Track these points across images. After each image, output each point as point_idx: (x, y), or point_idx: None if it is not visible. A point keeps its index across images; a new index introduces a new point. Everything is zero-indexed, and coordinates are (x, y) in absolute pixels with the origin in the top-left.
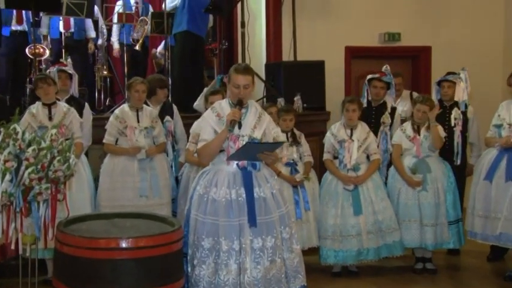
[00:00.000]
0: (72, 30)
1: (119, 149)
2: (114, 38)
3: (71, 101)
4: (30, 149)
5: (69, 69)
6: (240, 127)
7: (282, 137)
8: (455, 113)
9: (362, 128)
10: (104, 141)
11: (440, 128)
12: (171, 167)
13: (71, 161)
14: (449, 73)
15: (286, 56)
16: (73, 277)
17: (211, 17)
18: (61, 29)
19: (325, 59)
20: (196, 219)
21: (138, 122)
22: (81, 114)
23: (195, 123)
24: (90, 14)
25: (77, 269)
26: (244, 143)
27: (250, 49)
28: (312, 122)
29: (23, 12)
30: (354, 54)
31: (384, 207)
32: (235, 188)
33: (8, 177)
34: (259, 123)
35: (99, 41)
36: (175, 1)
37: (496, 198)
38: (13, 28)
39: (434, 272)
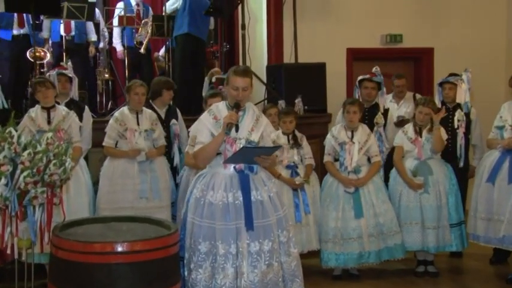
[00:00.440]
0: (73, 33)
1: (119, 152)
2: (117, 40)
3: (70, 104)
4: (25, 153)
5: (69, 72)
6: (237, 130)
7: (283, 139)
8: (458, 115)
9: (363, 130)
10: (104, 144)
11: (442, 131)
12: (177, 170)
13: (67, 164)
14: (451, 74)
15: (288, 58)
16: (68, 282)
17: (212, 19)
18: (62, 32)
19: (327, 61)
20: (193, 223)
21: (138, 124)
22: (81, 118)
23: (193, 126)
24: (91, 17)
25: (72, 274)
26: (241, 145)
27: (251, 51)
28: (313, 124)
29: (24, 15)
30: (355, 56)
31: (385, 209)
32: (232, 191)
33: (3, 181)
34: (257, 126)
35: (101, 44)
36: (176, 3)
37: (499, 200)
38: (15, 32)
39: (436, 275)
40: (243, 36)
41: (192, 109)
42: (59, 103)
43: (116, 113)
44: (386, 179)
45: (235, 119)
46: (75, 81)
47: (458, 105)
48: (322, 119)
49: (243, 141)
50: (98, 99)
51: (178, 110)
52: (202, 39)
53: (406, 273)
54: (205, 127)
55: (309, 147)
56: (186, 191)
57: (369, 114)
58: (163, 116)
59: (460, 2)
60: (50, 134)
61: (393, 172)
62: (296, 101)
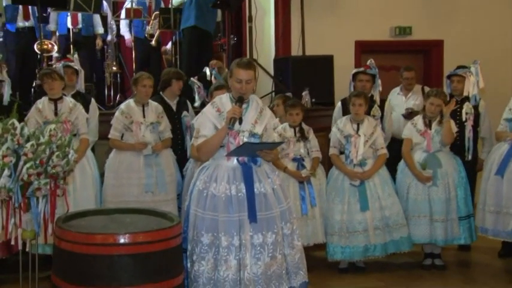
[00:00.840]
0: (80, 26)
1: (125, 144)
2: (125, 29)
3: (76, 96)
4: (28, 144)
5: (75, 64)
6: (240, 122)
7: (290, 132)
8: (466, 108)
9: (369, 123)
10: (110, 136)
11: (452, 123)
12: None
13: (70, 156)
14: (459, 67)
15: (295, 50)
16: (71, 273)
17: (219, 11)
18: (69, 25)
19: (334, 54)
20: (196, 215)
21: (144, 117)
22: (87, 110)
23: (196, 118)
24: (98, 10)
25: (75, 265)
26: (244, 138)
27: (259, 44)
28: (320, 117)
29: (29, 7)
30: (363, 48)
31: (391, 202)
32: (235, 184)
33: (6, 172)
34: (260, 119)
35: (109, 37)
36: None
37: (508, 193)
38: (20, 24)
39: (443, 268)
40: (250, 28)
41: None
42: (65, 95)
43: (122, 106)
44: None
45: (239, 114)
46: (82, 73)
47: (467, 98)
48: (330, 111)
49: (246, 133)
50: (106, 92)
51: (188, 102)
52: (210, 32)
53: (413, 266)
54: (208, 120)
55: (315, 140)
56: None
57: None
58: (174, 108)
59: None
60: (52, 126)
61: (401, 165)
62: (303, 93)
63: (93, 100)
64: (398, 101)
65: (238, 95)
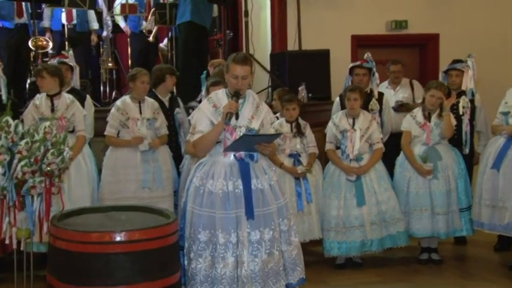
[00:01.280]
0: (75, 22)
1: (121, 141)
2: (120, 18)
3: (72, 93)
4: (22, 142)
5: (70, 61)
6: (237, 118)
7: (286, 127)
8: (463, 102)
9: (364, 117)
10: (106, 133)
11: (452, 117)
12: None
13: (65, 153)
14: (455, 61)
15: (291, 45)
16: (66, 272)
17: (215, 6)
18: (63, 21)
19: (331, 48)
20: (193, 212)
21: (141, 113)
22: (82, 107)
23: (193, 114)
24: (93, 6)
25: (70, 264)
26: (241, 134)
27: (255, 39)
28: (317, 112)
29: (23, 4)
30: (360, 43)
31: (387, 197)
32: (232, 180)
33: (0, 170)
34: (257, 114)
35: (104, 33)
36: None
37: (504, 187)
38: (14, 21)
39: (440, 262)
40: (247, 23)
41: (196, 97)
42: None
43: (118, 102)
44: (385, 164)
45: (235, 109)
46: (76, 70)
47: (463, 92)
48: (326, 106)
49: (243, 129)
50: (102, 89)
51: (179, 99)
52: (205, 27)
53: (410, 261)
54: (204, 116)
55: (312, 135)
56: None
57: (364, 101)
58: (167, 104)
59: None
60: (47, 123)
61: (400, 158)
62: (300, 88)
63: (88, 97)
64: (387, 94)
65: (234, 90)
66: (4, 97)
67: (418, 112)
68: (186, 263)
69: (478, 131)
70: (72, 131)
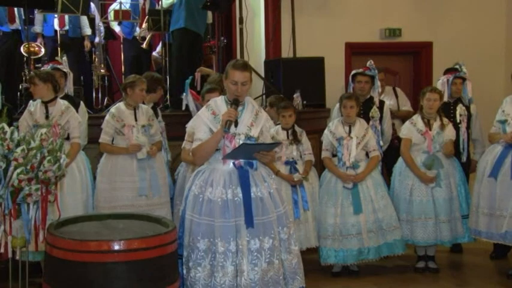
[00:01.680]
0: (67, 28)
1: (117, 149)
2: (114, 23)
3: (65, 99)
4: (19, 149)
5: (64, 67)
6: (236, 125)
7: (282, 135)
8: (460, 110)
9: (360, 125)
10: (100, 140)
11: (450, 128)
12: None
13: (61, 161)
14: (449, 70)
15: (286, 52)
16: (63, 281)
17: (210, 13)
18: (56, 26)
19: (325, 56)
20: (192, 220)
21: (136, 120)
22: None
23: (191, 121)
24: (86, 11)
25: (67, 273)
26: (240, 141)
27: (249, 46)
28: (312, 119)
29: (15, 10)
30: (354, 50)
31: (384, 205)
32: (232, 188)
33: None
34: (256, 121)
35: (96, 39)
36: None
37: (501, 195)
38: (5, 29)
39: (437, 270)
40: (241, 30)
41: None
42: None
43: (112, 109)
44: (385, 173)
45: (234, 116)
46: (70, 76)
47: (459, 100)
48: (321, 113)
49: (242, 136)
50: (94, 95)
51: (158, 108)
52: (199, 34)
53: (406, 269)
54: (203, 123)
55: (308, 143)
56: (183, 187)
57: (364, 108)
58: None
59: None
60: (44, 130)
61: (400, 166)
62: (295, 95)
63: (82, 103)
64: None
65: (233, 97)
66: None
67: (417, 119)
68: (184, 271)
69: (473, 139)
70: (67, 138)
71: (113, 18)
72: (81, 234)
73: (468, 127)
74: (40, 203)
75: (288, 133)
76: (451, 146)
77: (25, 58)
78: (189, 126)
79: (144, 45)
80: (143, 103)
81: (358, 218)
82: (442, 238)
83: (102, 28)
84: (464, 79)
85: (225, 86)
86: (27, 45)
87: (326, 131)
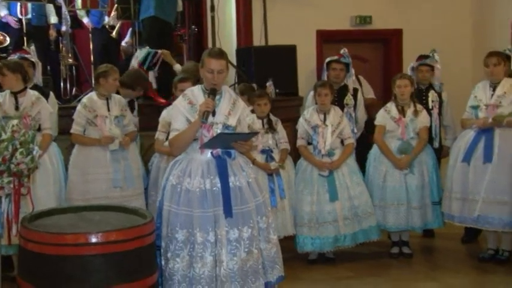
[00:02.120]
0: (30, 16)
1: (89, 140)
2: (82, 13)
3: (34, 90)
4: None
5: (32, 57)
6: (213, 115)
7: (258, 124)
8: (432, 96)
9: (335, 113)
10: (72, 131)
11: (424, 115)
12: None
13: (34, 153)
14: (422, 56)
15: (257, 40)
16: (39, 276)
17: (180, 1)
18: (19, 14)
19: (297, 44)
20: (170, 211)
21: (109, 110)
22: None
23: (165, 112)
24: None
25: (43, 267)
26: (218, 130)
27: (220, 34)
28: (285, 107)
29: None
30: (325, 38)
31: (359, 192)
32: (210, 178)
33: None
34: (234, 110)
35: (63, 28)
36: None
37: (474, 180)
38: None
39: (411, 255)
40: (213, 18)
41: (159, 94)
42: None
43: (84, 99)
44: (358, 160)
45: (212, 107)
46: (39, 66)
47: (431, 86)
48: (294, 102)
49: (220, 125)
50: (62, 85)
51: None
52: (169, 22)
53: (381, 255)
54: (180, 113)
55: (284, 131)
56: (157, 178)
57: (338, 96)
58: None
59: None
60: (15, 121)
61: (374, 152)
62: (267, 84)
63: (51, 94)
64: None
65: (210, 85)
66: None
67: (391, 107)
68: (163, 263)
69: (445, 125)
70: (38, 129)
71: (80, 7)
72: (56, 227)
73: (440, 113)
74: (12, 196)
75: (263, 122)
76: (425, 132)
77: None
78: (163, 116)
79: (113, 34)
80: (117, 93)
81: (334, 205)
82: (413, 224)
83: (68, 17)
84: (431, 66)
85: (201, 75)
86: None
87: (301, 119)
